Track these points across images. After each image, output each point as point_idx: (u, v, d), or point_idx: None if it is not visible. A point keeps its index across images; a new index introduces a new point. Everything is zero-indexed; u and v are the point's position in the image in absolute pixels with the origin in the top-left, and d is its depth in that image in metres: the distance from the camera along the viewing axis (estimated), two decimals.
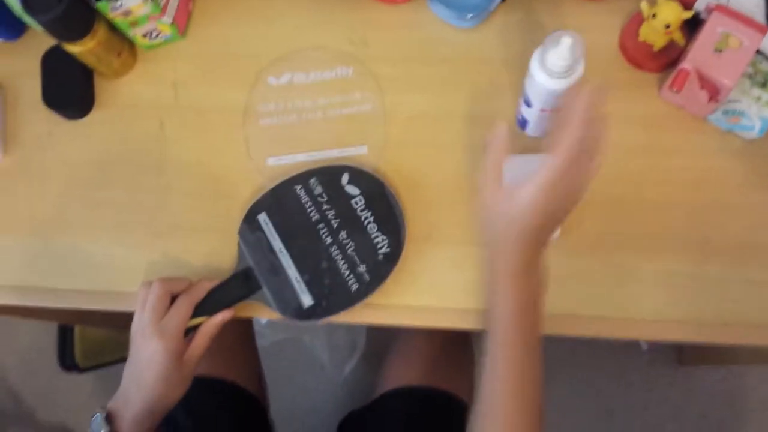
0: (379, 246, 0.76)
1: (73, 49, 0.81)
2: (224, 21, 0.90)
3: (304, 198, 0.79)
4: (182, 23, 0.89)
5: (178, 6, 0.86)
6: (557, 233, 0.75)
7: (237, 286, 0.77)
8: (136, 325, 0.73)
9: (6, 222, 0.86)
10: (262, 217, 0.79)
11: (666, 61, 0.80)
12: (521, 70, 0.82)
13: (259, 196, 0.81)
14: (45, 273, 0.84)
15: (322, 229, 0.78)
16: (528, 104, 0.75)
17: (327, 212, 0.78)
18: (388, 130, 0.84)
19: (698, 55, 0.73)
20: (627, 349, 1.61)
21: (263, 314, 0.79)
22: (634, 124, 0.81)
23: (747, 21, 0.72)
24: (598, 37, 0.83)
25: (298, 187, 0.80)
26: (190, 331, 0.74)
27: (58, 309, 0.84)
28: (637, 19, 0.81)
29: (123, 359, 1.63)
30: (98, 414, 0.71)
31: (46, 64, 0.89)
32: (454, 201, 0.81)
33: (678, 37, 0.78)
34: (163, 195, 0.85)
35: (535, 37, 0.84)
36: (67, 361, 1.64)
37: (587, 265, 0.78)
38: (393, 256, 0.76)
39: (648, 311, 0.76)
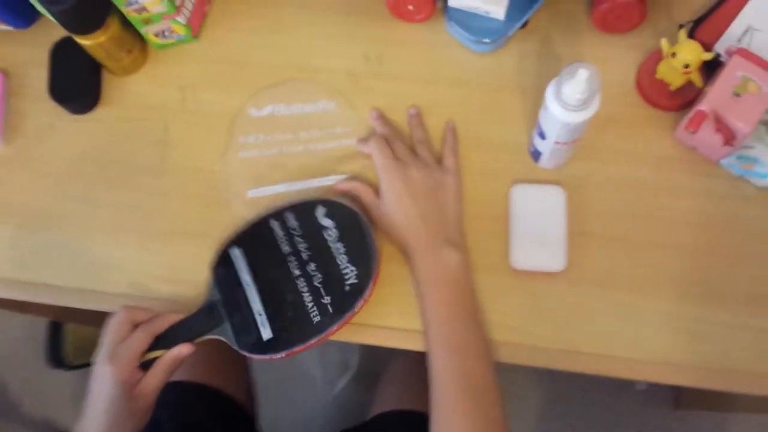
0: (346, 277, 0.75)
1: (84, 42, 0.80)
2: (240, 26, 0.89)
3: (279, 232, 0.78)
4: (196, 24, 0.88)
5: (193, 6, 0.85)
6: None
7: (200, 321, 0.75)
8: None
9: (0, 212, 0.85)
10: (234, 252, 0.78)
11: (682, 101, 0.79)
12: (535, 99, 0.82)
13: (234, 230, 0.79)
14: (34, 267, 0.83)
15: (292, 261, 0.76)
16: (542, 136, 0.73)
17: (299, 245, 0.77)
18: (369, 163, 0.81)
19: (716, 97, 0.72)
20: (621, 387, 1.59)
21: None
22: (645, 162, 0.80)
23: (767, 66, 0.71)
24: (614, 71, 0.82)
25: (273, 221, 0.78)
26: (148, 365, 0.72)
27: (45, 304, 0.83)
28: (655, 57, 0.79)
29: None
30: None
31: (54, 55, 0.88)
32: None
33: (696, 78, 0.76)
34: (161, 198, 0.83)
35: (551, 66, 0.83)
36: (55, 357, 1.62)
37: (592, 301, 0.76)
38: (359, 287, 0.74)
39: (651, 352, 0.74)
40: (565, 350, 0.75)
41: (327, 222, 0.77)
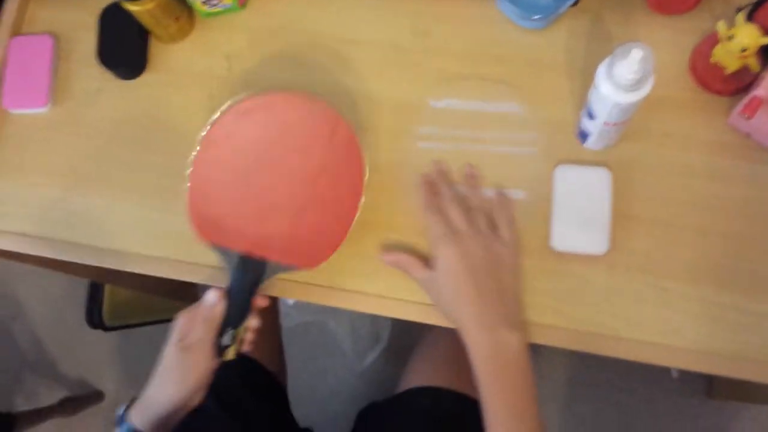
0: None
1: (132, 7, 0.80)
2: None
3: None
4: None
5: None
6: None
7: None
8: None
9: (45, 173, 0.87)
10: None
11: (737, 85, 0.77)
12: (583, 79, 0.80)
13: None
14: (78, 228, 0.84)
15: None
16: (591, 116, 0.72)
17: None
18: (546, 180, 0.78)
19: None
20: (654, 373, 1.57)
21: (292, 294, 0.79)
22: (697, 147, 0.78)
23: None
24: (668, 53, 0.80)
25: None
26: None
27: (86, 265, 0.84)
28: (711, 40, 0.77)
29: (148, 322, 1.67)
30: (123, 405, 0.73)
31: (104, 20, 0.89)
32: None
33: (753, 62, 0.74)
34: None
35: (601, 46, 0.81)
36: (94, 318, 1.65)
37: (633, 286, 0.75)
38: None
39: (689, 340, 0.73)
40: (603, 334, 0.74)
41: None
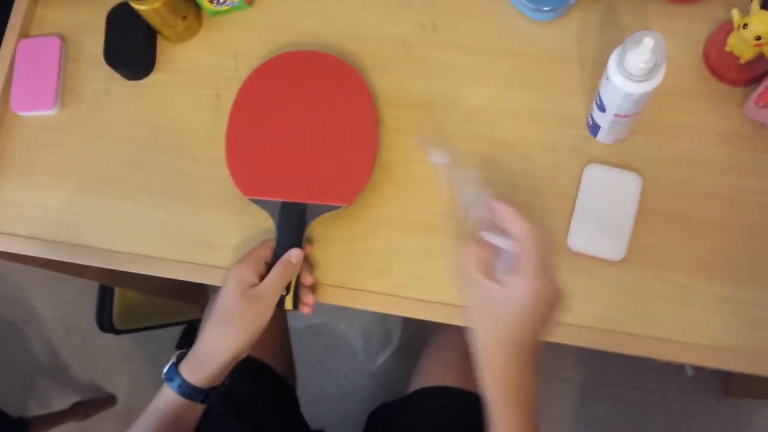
0: None
1: (139, 6, 0.80)
2: None
3: None
4: None
5: None
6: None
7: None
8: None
9: (54, 174, 0.86)
10: None
11: (751, 75, 0.76)
12: (595, 70, 0.79)
13: None
14: (86, 230, 0.84)
15: None
16: (601, 108, 0.71)
17: None
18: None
19: None
20: (669, 372, 1.56)
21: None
22: (710, 138, 0.77)
23: None
24: (681, 42, 0.79)
25: None
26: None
27: (97, 268, 0.84)
28: (725, 28, 0.76)
29: (159, 325, 1.67)
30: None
31: (111, 21, 0.88)
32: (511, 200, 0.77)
33: None
34: (212, 166, 0.83)
35: (613, 37, 0.81)
36: (104, 321, 1.65)
37: (648, 282, 0.74)
38: None
39: (705, 336, 0.72)
40: (616, 331, 0.73)
41: None
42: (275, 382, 1.00)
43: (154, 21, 0.83)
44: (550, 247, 0.62)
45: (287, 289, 0.75)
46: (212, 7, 0.86)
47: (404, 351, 1.65)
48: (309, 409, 1.07)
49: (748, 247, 0.73)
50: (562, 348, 0.74)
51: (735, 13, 0.73)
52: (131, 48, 0.87)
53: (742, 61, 0.75)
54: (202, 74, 0.87)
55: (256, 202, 0.78)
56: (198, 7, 0.87)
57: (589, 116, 0.76)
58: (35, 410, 1.74)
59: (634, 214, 0.74)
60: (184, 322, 1.68)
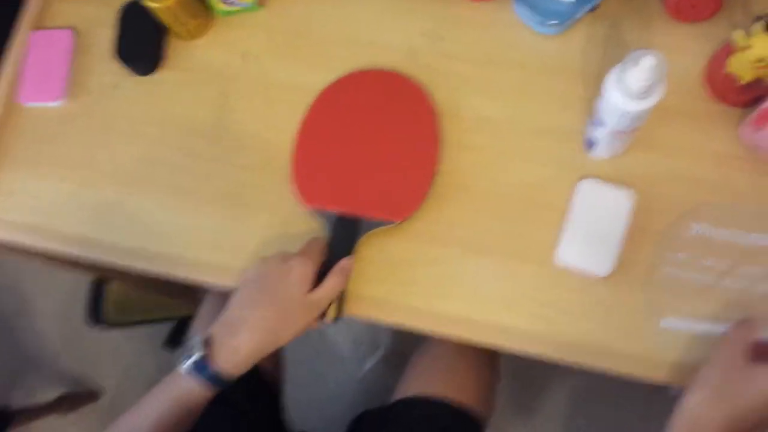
0: None
1: (153, 4, 0.81)
2: None
3: None
4: None
5: None
6: None
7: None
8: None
9: (60, 167, 0.87)
10: None
11: (751, 96, 0.77)
12: (597, 86, 0.80)
13: None
14: (90, 223, 0.84)
15: None
16: (599, 124, 0.72)
17: None
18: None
19: None
20: (652, 392, 1.55)
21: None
22: (706, 159, 0.78)
23: None
24: (683, 61, 0.81)
25: None
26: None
27: (93, 261, 0.84)
28: (727, 49, 0.77)
29: (149, 320, 1.67)
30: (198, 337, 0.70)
31: (122, 16, 0.89)
32: (503, 212, 0.79)
33: None
34: (218, 164, 0.84)
35: (617, 53, 0.82)
36: (95, 315, 1.65)
37: (633, 301, 0.75)
38: None
39: (681, 355, 0.73)
40: (596, 347, 0.74)
41: None
42: (260, 384, 1.00)
43: (166, 18, 0.84)
44: None
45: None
46: (224, 7, 0.87)
47: (393, 357, 1.66)
48: (297, 411, 1.08)
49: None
50: (550, 365, 0.75)
51: (738, 35, 0.74)
52: (141, 44, 0.88)
53: (742, 82, 0.76)
54: (211, 72, 0.88)
55: (315, 212, 0.80)
56: (210, 7, 0.88)
57: (587, 131, 0.77)
58: (22, 401, 1.73)
59: (623, 230, 0.75)
60: (176, 317, 1.68)
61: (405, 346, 1.64)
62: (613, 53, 0.82)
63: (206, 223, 0.83)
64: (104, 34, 0.90)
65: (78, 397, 1.72)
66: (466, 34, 0.85)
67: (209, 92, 0.87)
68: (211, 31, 0.89)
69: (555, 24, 0.81)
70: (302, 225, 0.80)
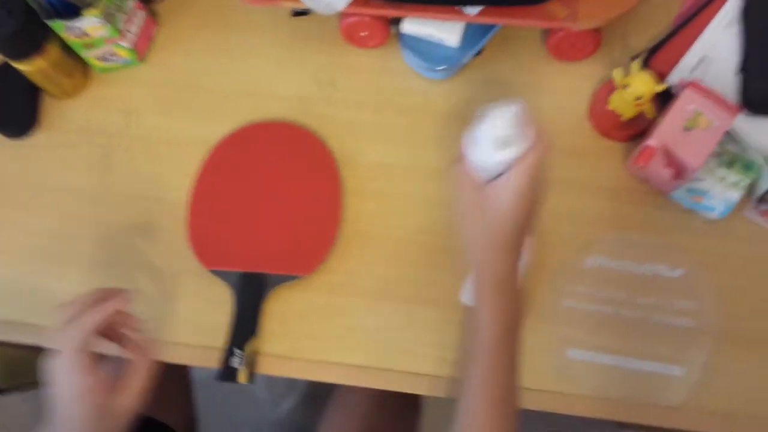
0: None
1: (23, 67, 0.76)
2: (188, 50, 0.87)
3: None
4: (143, 48, 0.85)
5: (139, 30, 0.82)
6: (525, 259, 0.69)
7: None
8: None
9: None
10: None
11: (633, 131, 0.79)
12: None
13: None
14: None
15: None
16: (480, 170, 0.69)
17: None
18: (711, 359, 0.74)
19: (666, 132, 0.72)
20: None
21: None
22: (597, 194, 0.79)
23: (719, 101, 0.72)
24: (568, 100, 0.82)
25: None
26: None
27: None
28: (608, 86, 0.80)
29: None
30: None
31: None
32: (406, 257, 0.78)
33: (648, 109, 0.77)
34: (101, 228, 0.80)
35: (504, 94, 0.83)
36: None
37: (540, 333, 0.75)
38: None
39: (586, 388, 0.74)
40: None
41: None
42: None
43: (38, 80, 0.79)
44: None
45: (242, 359, 0.73)
46: (101, 64, 0.83)
47: (311, 398, 1.63)
48: None
49: None
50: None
51: (616, 74, 0.76)
52: (12, 105, 0.83)
53: (624, 118, 0.78)
54: (90, 132, 0.84)
55: (216, 273, 0.77)
56: (86, 64, 0.84)
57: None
58: None
59: (524, 267, 0.74)
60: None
61: (322, 386, 1.61)
62: (501, 94, 0.82)
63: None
64: None
65: None
66: (357, 82, 0.85)
67: (90, 153, 0.83)
68: (89, 89, 0.85)
69: (443, 69, 0.81)
70: (209, 286, 0.78)
